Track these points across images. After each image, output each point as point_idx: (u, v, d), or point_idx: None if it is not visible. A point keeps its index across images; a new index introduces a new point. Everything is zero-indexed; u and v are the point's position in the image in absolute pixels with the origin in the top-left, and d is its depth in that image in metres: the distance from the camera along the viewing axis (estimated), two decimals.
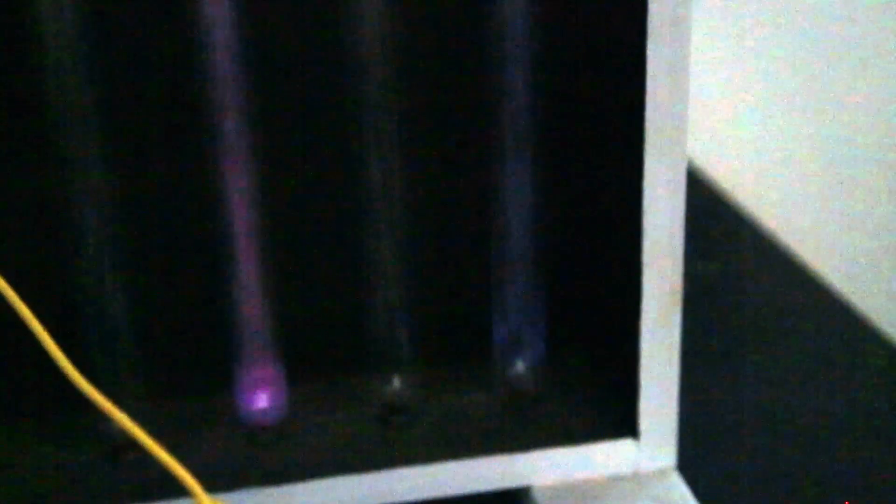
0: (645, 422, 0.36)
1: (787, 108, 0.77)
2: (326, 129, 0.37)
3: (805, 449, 0.42)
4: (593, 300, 0.40)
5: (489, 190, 0.37)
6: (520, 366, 0.38)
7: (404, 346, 0.37)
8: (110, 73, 0.34)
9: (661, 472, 0.37)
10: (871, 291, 0.57)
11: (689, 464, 0.37)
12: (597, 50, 0.37)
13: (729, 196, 0.68)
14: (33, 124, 0.34)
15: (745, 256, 0.60)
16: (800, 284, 0.56)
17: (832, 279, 0.55)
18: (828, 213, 0.75)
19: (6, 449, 0.37)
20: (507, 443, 0.37)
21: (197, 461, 0.32)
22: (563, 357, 0.40)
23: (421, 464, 0.36)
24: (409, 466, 0.36)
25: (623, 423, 0.37)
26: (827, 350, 0.49)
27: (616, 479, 0.37)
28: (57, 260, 0.36)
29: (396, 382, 0.38)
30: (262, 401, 0.37)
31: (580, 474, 0.37)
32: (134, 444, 0.30)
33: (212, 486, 0.32)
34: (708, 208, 0.66)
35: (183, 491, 0.30)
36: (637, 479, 0.37)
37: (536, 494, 0.36)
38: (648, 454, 0.37)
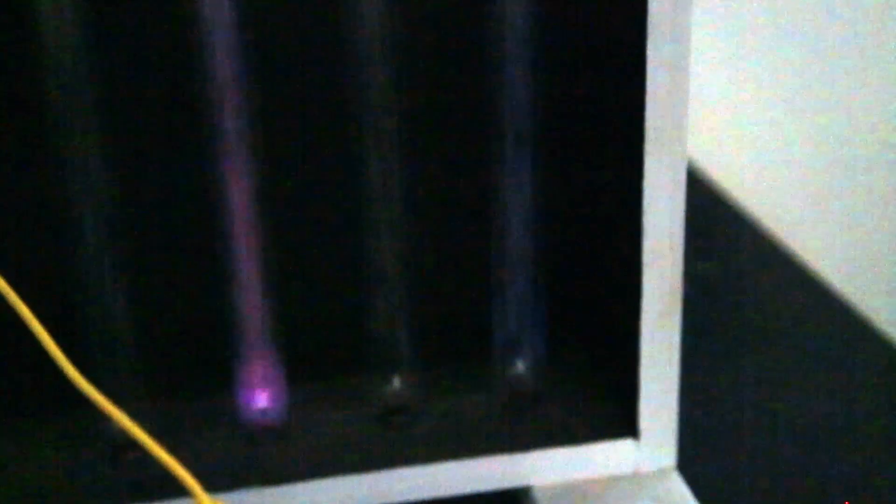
0: (645, 422, 0.36)
1: (787, 107, 0.77)
2: (326, 129, 0.37)
3: (805, 449, 0.42)
4: (593, 300, 0.40)
5: (489, 190, 0.37)
6: (520, 366, 0.38)
7: (404, 347, 0.37)
8: (110, 74, 0.34)
9: (661, 472, 0.37)
10: (871, 291, 0.57)
11: (689, 464, 0.37)
12: (597, 50, 0.37)
13: (729, 196, 0.68)
14: (33, 124, 0.34)
15: (745, 256, 0.60)
16: (800, 284, 0.56)
17: (832, 279, 0.55)
18: (828, 213, 0.75)
19: (6, 449, 0.37)
20: (507, 443, 0.37)
21: (197, 461, 0.32)
22: (563, 357, 0.40)
23: (421, 464, 0.36)
24: (409, 466, 0.36)
25: (623, 423, 0.37)
26: (827, 350, 0.49)
27: (616, 479, 0.37)
28: (57, 260, 0.36)
29: (396, 382, 0.38)
30: (262, 401, 0.37)
31: (580, 474, 0.37)
32: (134, 444, 0.30)
33: (212, 486, 0.32)
34: (708, 208, 0.66)
35: (183, 491, 0.30)
36: (637, 479, 0.37)
37: (536, 494, 0.36)
38: (648, 454, 0.37)
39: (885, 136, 0.74)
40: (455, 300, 0.40)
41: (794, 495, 0.39)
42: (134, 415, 0.30)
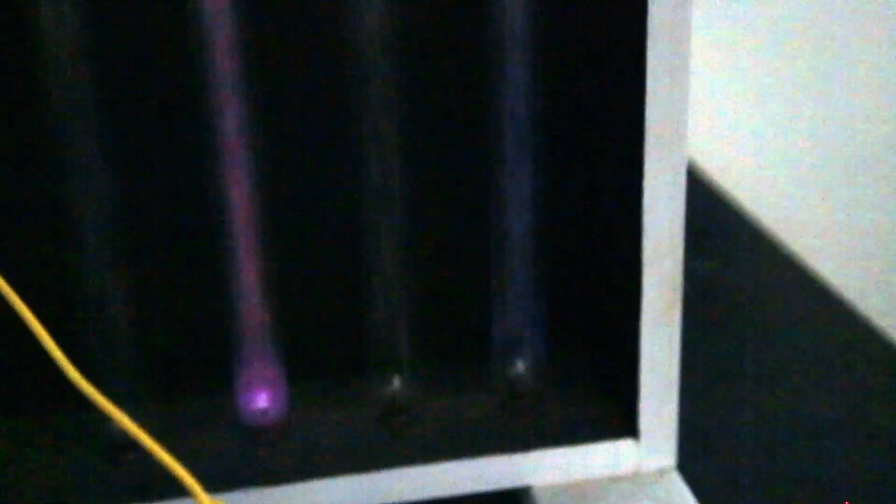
0: (645, 422, 0.36)
1: (787, 107, 0.77)
2: (327, 129, 0.37)
3: (805, 449, 0.42)
4: (593, 300, 0.40)
5: (489, 189, 0.37)
6: (520, 366, 0.38)
7: (404, 347, 0.37)
8: (110, 74, 0.34)
9: (661, 472, 0.37)
10: (871, 291, 0.57)
11: (689, 464, 0.37)
12: (597, 50, 0.37)
13: (729, 196, 0.68)
14: (33, 124, 0.34)
15: (745, 256, 0.60)
16: (800, 284, 0.56)
17: (832, 279, 0.55)
18: (828, 213, 0.75)
19: (6, 449, 0.37)
20: (507, 443, 0.37)
21: (197, 461, 0.32)
22: (563, 357, 0.40)
23: (421, 464, 0.36)
24: (409, 466, 0.36)
25: (623, 423, 0.37)
26: (827, 350, 0.49)
27: (616, 479, 0.37)
28: (57, 260, 0.36)
29: (396, 382, 0.37)
30: (262, 401, 0.37)
31: (580, 474, 0.37)
32: (134, 444, 0.30)
33: (212, 486, 0.32)
34: (708, 208, 0.66)
35: (183, 491, 0.30)
36: (637, 479, 0.37)
37: (536, 494, 0.36)
38: (648, 454, 0.37)
39: (885, 135, 0.74)
40: (455, 300, 0.40)
41: (794, 495, 0.39)
42: (134, 415, 0.30)
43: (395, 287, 0.37)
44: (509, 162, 0.36)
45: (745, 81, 0.77)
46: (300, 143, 0.37)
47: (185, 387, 0.39)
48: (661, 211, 0.34)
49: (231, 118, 0.34)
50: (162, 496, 0.34)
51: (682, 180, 0.34)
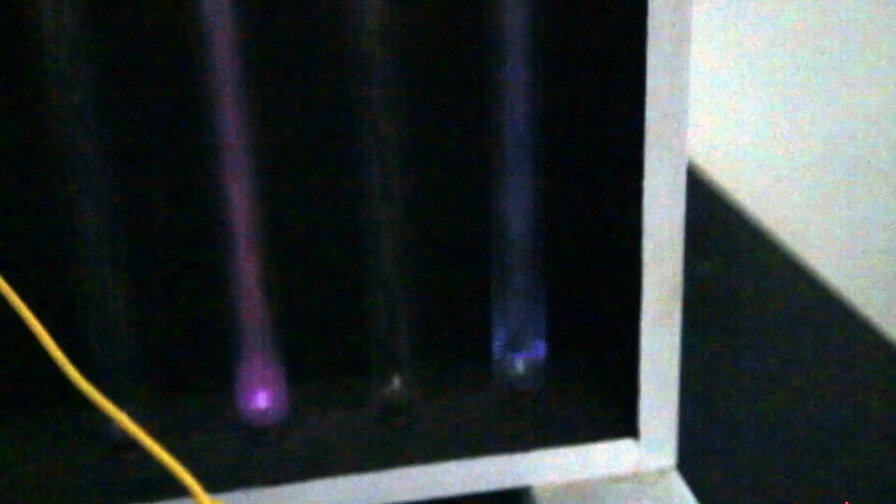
0: (645, 422, 0.36)
1: (787, 107, 0.77)
2: (327, 129, 0.37)
3: (805, 449, 0.42)
4: (593, 300, 0.40)
5: (489, 189, 0.37)
6: (520, 366, 0.38)
7: (404, 346, 0.37)
8: (110, 73, 0.34)
9: (661, 472, 0.37)
10: (871, 291, 0.57)
11: (689, 464, 0.37)
12: (597, 50, 0.37)
13: (729, 196, 0.68)
14: (33, 124, 0.34)
15: (745, 256, 0.60)
16: (800, 284, 0.56)
17: (832, 279, 0.55)
18: (828, 213, 0.75)
19: (6, 449, 0.37)
20: (507, 443, 0.37)
21: (197, 461, 0.32)
22: (563, 357, 0.40)
23: (421, 464, 0.36)
24: (409, 466, 0.36)
25: (623, 423, 0.37)
26: (827, 350, 0.49)
27: (616, 479, 0.37)
28: (57, 260, 0.36)
29: (396, 382, 0.38)
30: (262, 401, 0.37)
31: (580, 474, 0.37)
32: (134, 444, 0.30)
33: (212, 486, 0.32)
34: (708, 208, 0.66)
35: (183, 491, 0.30)
36: (637, 479, 0.37)
37: (536, 494, 0.36)
38: (648, 454, 0.37)
39: (885, 135, 0.74)
40: (455, 300, 0.40)
41: (794, 495, 0.39)
42: (134, 415, 0.30)
43: (395, 287, 0.37)
44: (509, 162, 0.36)
45: (746, 81, 0.77)
46: (300, 142, 0.37)
47: (185, 387, 0.39)
48: (661, 211, 0.34)
49: (231, 118, 0.34)
50: (162, 496, 0.34)
51: (682, 180, 0.34)
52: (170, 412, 0.38)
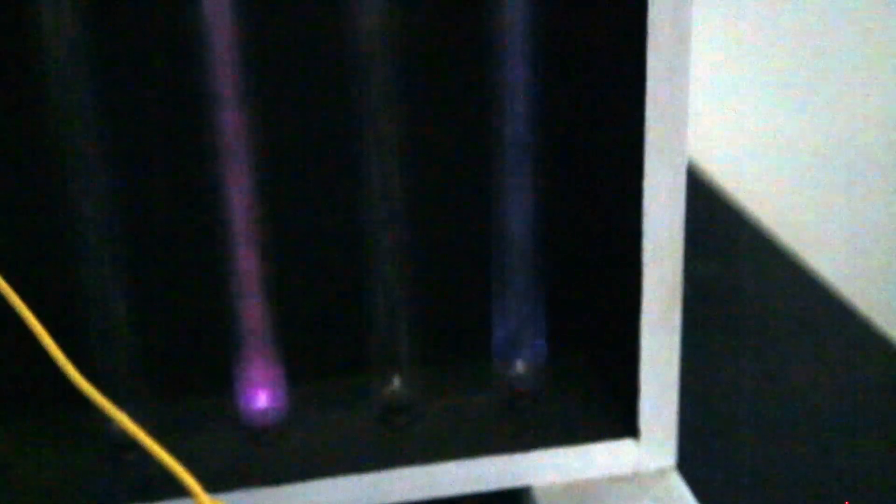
0: (645, 422, 0.36)
1: (788, 108, 0.77)
2: (327, 129, 0.37)
3: (805, 449, 0.42)
4: (593, 300, 0.40)
5: (489, 189, 0.37)
6: (520, 366, 0.38)
7: (404, 346, 0.37)
8: (110, 73, 0.34)
9: (661, 472, 0.37)
10: (871, 291, 0.57)
11: (689, 464, 0.37)
12: (597, 50, 0.37)
13: (729, 196, 0.68)
14: (33, 124, 0.34)
15: (745, 256, 0.60)
16: (800, 284, 0.56)
17: (832, 279, 0.55)
18: (828, 213, 0.75)
19: (6, 449, 0.37)
20: (507, 443, 0.37)
21: (197, 461, 0.32)
22: (563, 357, 0.40)
23: (421, 464, 0.36)
24: (409, 466, 0.36)
25: (623, 423, 0.37)
26: (827, 350, 0.49)
27: (616, 479, 0.37)
28: (57, 260, 0.36)
29: (396, 382, 0.38)
30: (262, 401, 0.37)
31: (580, 474, 0.37)
32: (134, 444, 0.30)
33: (212, 486, 0.32)
34: (708, 208, 0.66)
35: (183, 491, 0.30)
36: (637, 479, 0.37)
37: (536, 494, 0.36)
38: (648, 454, 0.37)
39: (885, 135, 0.74)
40: (455, 300, 0.40)
41: (793, 495, 0.39)
42: (134, 415, 0.30)
43: (395, 287, 0.37)
44: (509, 162, 0.36)
45: (746, 82, 0.77)
46: (300, 142, 0.37)
47: (185, 387, 0.39)
48: (661, 211, 0.34)
49: (231, 118, 0.34)
50: (162, 496, 0.34)
51: (682, 180, 0.34)
52: (170, 412, 0.38)
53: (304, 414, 0.38)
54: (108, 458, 0.36)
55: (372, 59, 0.34)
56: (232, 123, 0.34)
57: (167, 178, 0.37)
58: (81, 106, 0.33)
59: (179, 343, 0.39)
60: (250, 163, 0.35)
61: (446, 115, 0.38)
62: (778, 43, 0.75)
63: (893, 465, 0.41)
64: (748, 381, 0.46)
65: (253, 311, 0.36)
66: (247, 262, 0.35)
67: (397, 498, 0.36)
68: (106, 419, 0.30)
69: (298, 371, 0.37)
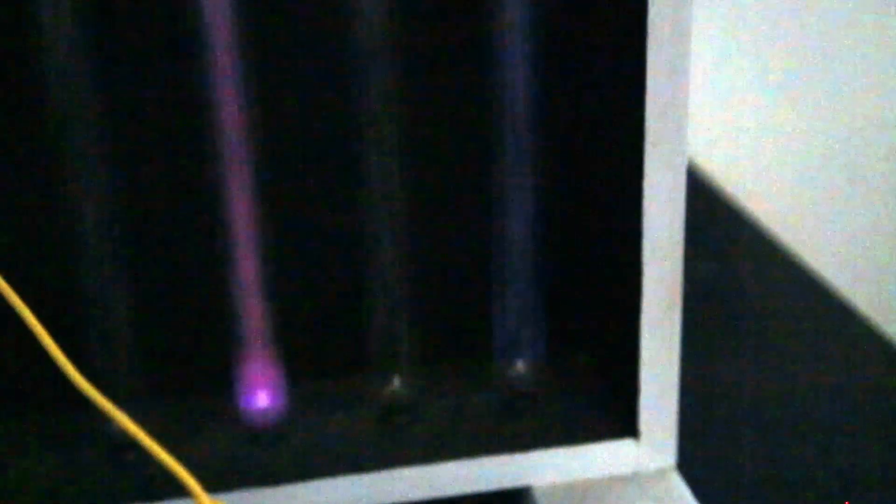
0: (645, 422, 0.36)
1: (787, 107, 0.77)
2: (327, 129, 0.37)
3: (805, 449, 0.42)
4: (593, 300, 0.40)
5: (489, 190, 0.37)
6: (520, 366, 0.38)
7: (404, 346, 0.37)
8: (110, 73, 0.34)
9: (661, 472, 0.37)
10: (871, 291, 0.57)
11: (689, 464, 0.37)
12: (597, 50, 0.37)
13: (729, 196, 0.68)
14: (34, 124, 0.34)
15: (745, 256, 0.60)
16: (800, 284, 0.56)
17: (832, 279, 0.55)
18: (828, 213, 0.75)
19: (6, 449, 0.37)
20: (507, 443, 0.37)
21: (197, 461, 0.32)
22: (563, 357, 0.40)
23: (421, 464, 0.36)
24: (409, 466, 0.36)
25: (623, 423, 0.37)
26: (827, 350, 0.49)
27: (616, 479, 0.37)
28: (57, 260, 0.36)
29: (396, 382, 0.37)
30: (262, 401, 0.37)
31: (580, 474, 0.37)
32: (134, 444, 0.30)
33: (212, 486, 0.32)
34: (708, 208, 0.66)
35: (183, 491, 0.30)
36: (637, 479, 0.37)
37: (536, 494, 0.36)
38: (648, 454, 0.37)
39: (885, 135, 0.74)
40: (455, 300, 0.40)
41: (793, 495, 0.39)
42: (134, 415, 0.30)
43: (395, 287, 0.37)
44: (509, 162, 0.36)
45: (746, 81, 0.77)
46: (300, 142, 0.37)
47: (185, 387, 0.39)
48: (661, 211, 0.34)
49: (231, 118, 0.34)
50: (162, 496, 0.34)
51: (682, 180, 0.34)
52: (170, 412, 0.38)
53: (304, 414, 0.38)
54: (108, 458, 0.36)
55: (372, 59, 0.34)
56: (232, 123, 0.34)
57: (167, 178, 0.37)
58: (81, 106, 0.33)
59: (179, 343, 0.39)
60: (250, 163, 0.35)
61: (446, 115, 0.38)
62: (778, 43, 0.75)
63: (893, 465, 0.41)
64: (748, 381, 0.46)
65: (253, 311, 0.36)
66: (247, 262, 0.35)
67: (397, 498, 0.36)
68: (106, 419, 0.30)
69: (298, 371, 0.37)
